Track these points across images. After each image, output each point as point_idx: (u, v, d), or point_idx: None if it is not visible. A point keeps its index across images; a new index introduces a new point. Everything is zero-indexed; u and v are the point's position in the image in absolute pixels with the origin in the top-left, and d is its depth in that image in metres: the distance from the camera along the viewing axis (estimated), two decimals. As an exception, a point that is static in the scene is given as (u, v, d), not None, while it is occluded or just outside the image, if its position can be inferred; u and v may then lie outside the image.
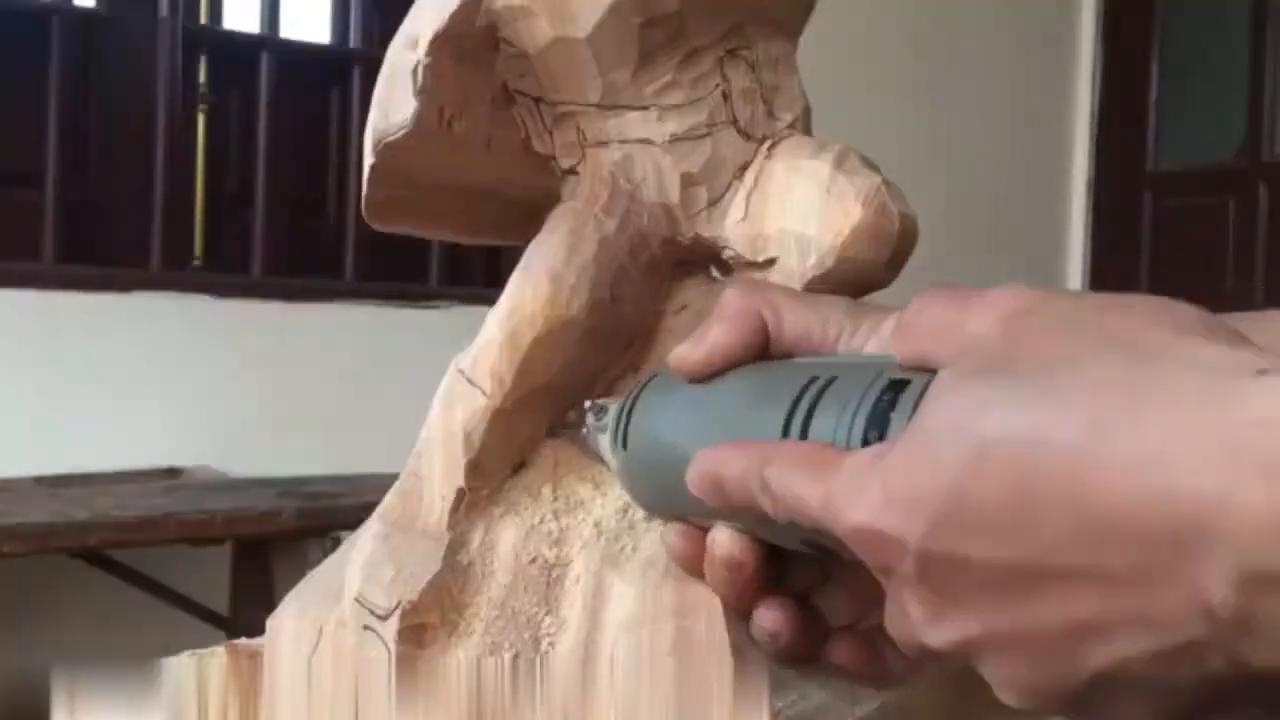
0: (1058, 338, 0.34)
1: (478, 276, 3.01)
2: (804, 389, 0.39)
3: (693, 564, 0.45)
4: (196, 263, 2.87)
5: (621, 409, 0.47)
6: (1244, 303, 3.38)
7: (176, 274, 2.75)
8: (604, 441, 0.49)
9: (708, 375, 0.44)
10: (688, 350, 0.44)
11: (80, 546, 2.08)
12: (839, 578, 0.43)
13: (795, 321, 0.43)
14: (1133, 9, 3.77)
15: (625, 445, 0.47)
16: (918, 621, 0.35)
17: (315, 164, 2.99)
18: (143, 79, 2.73)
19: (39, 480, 2.39)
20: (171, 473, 2.56)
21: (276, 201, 2.85)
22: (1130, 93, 3.75)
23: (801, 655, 0.42)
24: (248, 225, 2.83)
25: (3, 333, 2.49)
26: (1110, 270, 3.70)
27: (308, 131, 2.96)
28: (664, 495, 0.45)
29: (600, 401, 0.50)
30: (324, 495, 2.23)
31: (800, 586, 0.44)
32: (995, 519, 0.32)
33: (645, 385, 0.47)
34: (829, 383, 0.38)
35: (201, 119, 2.88)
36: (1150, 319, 0.33)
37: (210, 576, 2.33)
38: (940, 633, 0.34)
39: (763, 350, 0.43)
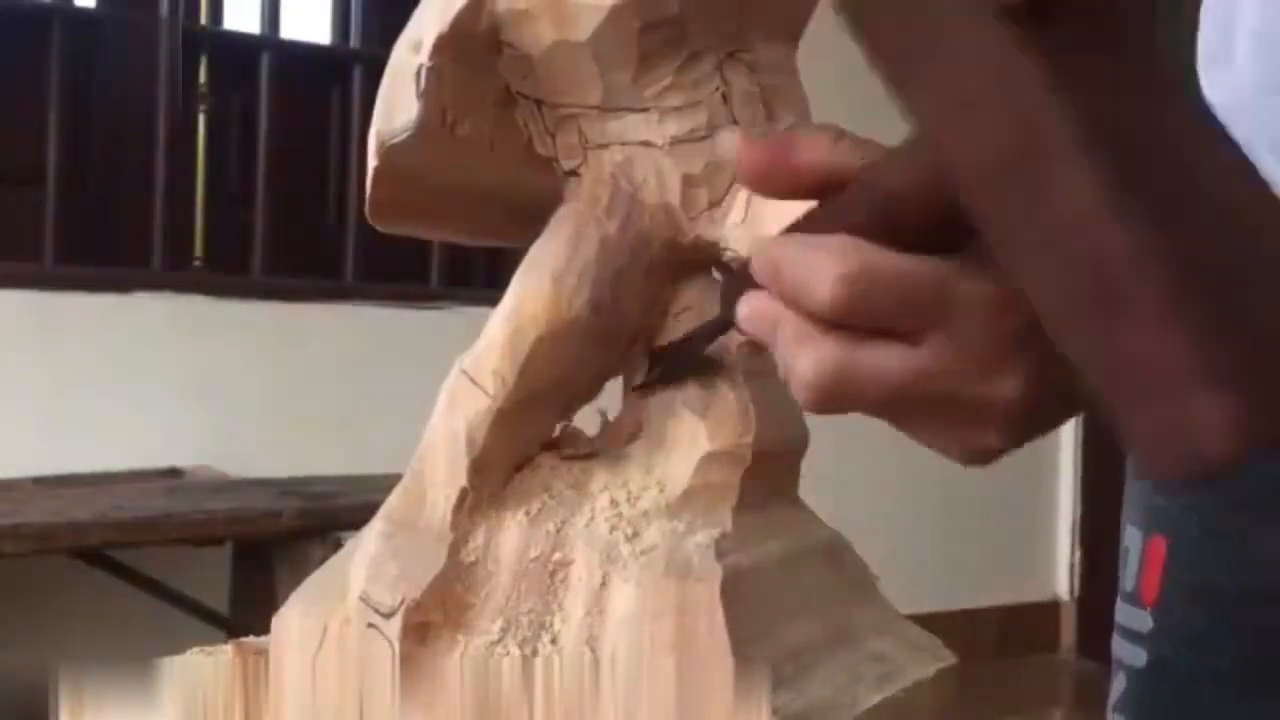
0: None
1: (479, 277, 3.00)
2: None
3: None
4: (196, 263, 2.87)
5: None
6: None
7: (176, 274, 2.74)
8: None
9: None
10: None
11: (80, 546, 2.08)
12: None
13: None
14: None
15: None
16: None
17: (315, 164, 2.98)
18: (143, 79, 2.73)
19: (39, 480, 2.39)
20: (171, 473, 2.55)
21: (276, 201, 2.84)
22: (1129, 93, 3.75)
23: None
24: (248, 225, 2.83)
25: (3, 333, 2.49)
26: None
27: (308, 131, 2.96)
28: None
29: None
30: (324, 495, 2.23)
31: None
32: None
33: None
34: None
35: (201, 119, 2.88)
36: None
37: (210, 576, 2.33)
38: None
39: None
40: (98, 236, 2.72)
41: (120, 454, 2.53)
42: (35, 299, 2.53)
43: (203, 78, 2.88)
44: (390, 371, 2.72)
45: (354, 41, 3.02)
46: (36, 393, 2.51)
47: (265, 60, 2.84)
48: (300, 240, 2.91)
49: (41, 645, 2.33)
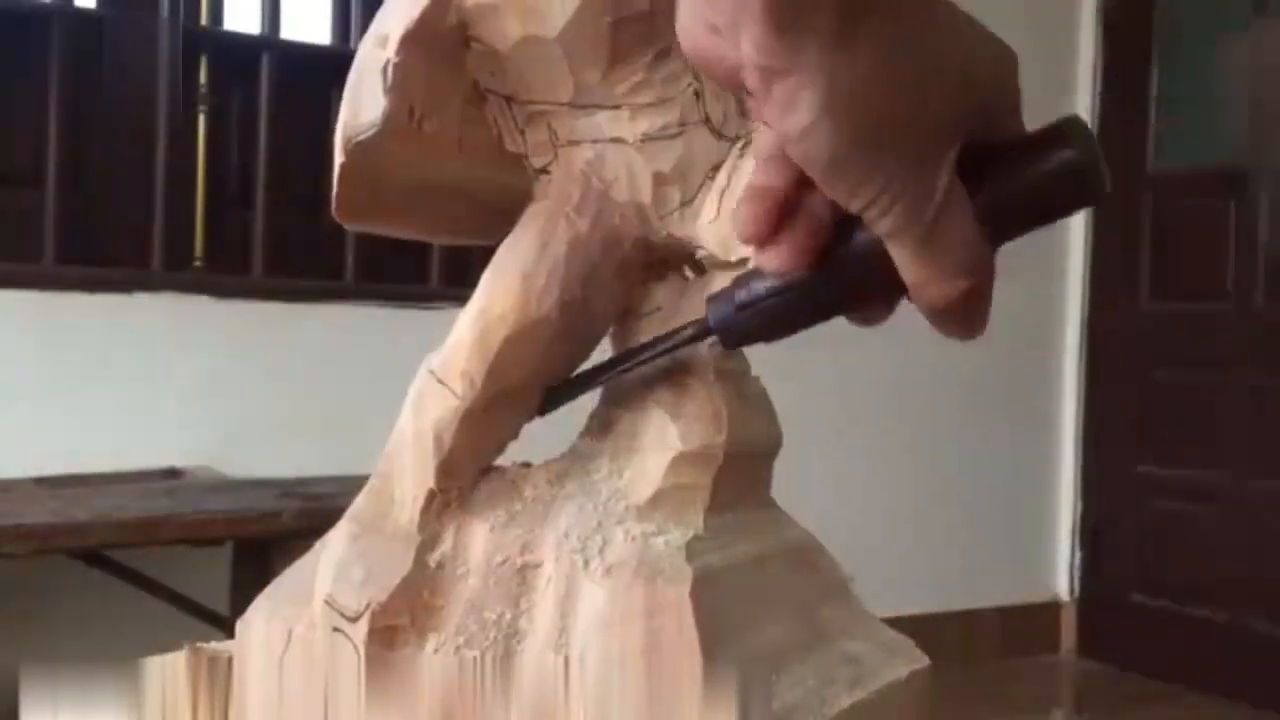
0: None
1: (478, 277, 2.99)
2: None
3: None
4: (197, 263, 2.86)
5: None
6: (1244, 303, 3.36)
7: (176, 274, 2.74)
8: None
9: None
10: None
11: (80, 546, 2.07)
12: None
13: None
14: (1133, 9, 3.76)
15: None
16: None
17: (315, 165, 2.97)
18: (143, 79, 2.73)
19: (39, 480, 2.39)
20: (171, 473, 2.55)
21: (276, 202, 2.84)
22: (1130, 93, 3.73)
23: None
24: (248, 225, 2.83)
25: (3, 333, 2.49)
26: (1110, 270, 3.69)
27: (308, 132, 2.95)
28: None
29: None
30: (324, 495, 2.22)
31: None
32: None
33: None
34: None
35: (201, 119, 2.88)
36: None
37: (210, 576, 2.32)
38: None
39: None
40: (98, 236, 2.72)
41: (120, 454, 2.53)
42: (35, 299, 2.53)
43: (203, 78, 2.88)
44: (390, 371, 2.71)
45: (354, 42, 3.01)
46: (36, 393, 2.51)
47: (265, 60, 2.84)
48: (300, 240, 2.90)
49: (42, 645, 2.33)
